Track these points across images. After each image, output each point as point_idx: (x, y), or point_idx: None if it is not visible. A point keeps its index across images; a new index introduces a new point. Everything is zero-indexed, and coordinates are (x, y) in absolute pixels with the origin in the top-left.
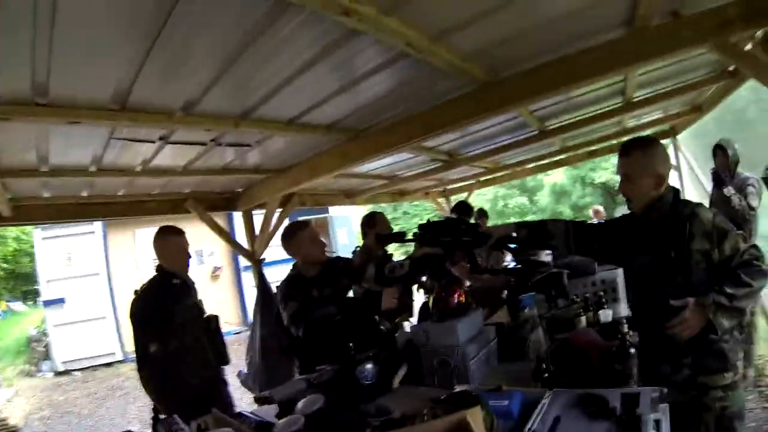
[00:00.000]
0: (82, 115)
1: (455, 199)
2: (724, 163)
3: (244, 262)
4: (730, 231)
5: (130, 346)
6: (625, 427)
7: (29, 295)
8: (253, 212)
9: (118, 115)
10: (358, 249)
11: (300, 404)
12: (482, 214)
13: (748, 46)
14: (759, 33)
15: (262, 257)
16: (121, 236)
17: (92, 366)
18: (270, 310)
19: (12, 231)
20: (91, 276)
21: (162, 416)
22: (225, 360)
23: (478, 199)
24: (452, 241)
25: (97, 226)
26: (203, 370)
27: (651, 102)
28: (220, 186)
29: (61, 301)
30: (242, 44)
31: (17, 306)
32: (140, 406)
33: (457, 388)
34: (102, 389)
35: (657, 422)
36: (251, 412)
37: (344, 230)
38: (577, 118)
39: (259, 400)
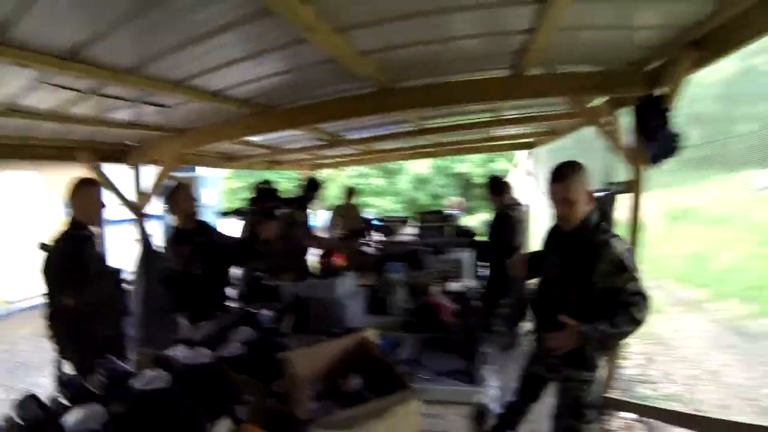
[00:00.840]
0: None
1: (324, 172)
2: None
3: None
4: (630, 270)
5: None
6: (465, 358)
7: None
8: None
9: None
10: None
11: (234, 334)
12: (351, 192)
13: (594, 103)
14: (605, 98)
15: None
16: None
17: None
18: (153, 264)
19: None
20: None
21: (64, 370)
22: (128, 312)
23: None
24: None
25: None
26: (114, 322)
27: (516, 122)
28: (112, 138)
29: None
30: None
31: None
32: (2, 370)
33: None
34: None
35: (485, 354)
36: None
37: (212, 191)
38: (453, 123)
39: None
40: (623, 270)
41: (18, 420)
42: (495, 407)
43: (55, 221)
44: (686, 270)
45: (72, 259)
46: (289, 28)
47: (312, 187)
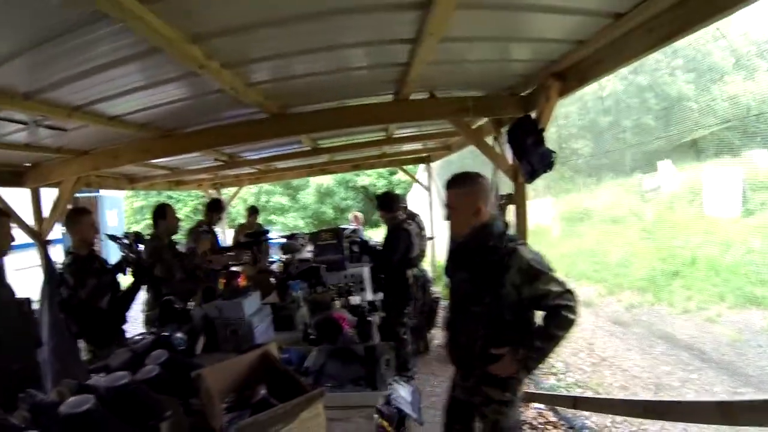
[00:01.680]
0: None
1: (225, 192)
2: None
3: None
4: (544, 273)
5: None
6: (368, 365)
7: None
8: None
9: None
10: (150, 236)
11: (150, 358)
12: (254, 211)
13: (479, 124)
14: (485, 118)
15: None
16: None
17: None
18: (57, 292)
19: None
20: None
21: None
22: (39, 342)
23: (245, 193)
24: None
25: None
26: (25, 353)
27: (408, 140)
28: (7, 159)
29: None
30: (48, 35)
31: None
32: None
33: None
34: None
35: (388, 360)
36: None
37: (114, 212)
38: (346, 142)
39: (95, 370)
40: (538, 274)
41: None
42: (407, 408)
43: None
44: (583, 267)
45: None
46: (176, 64)
47: (215, 208)
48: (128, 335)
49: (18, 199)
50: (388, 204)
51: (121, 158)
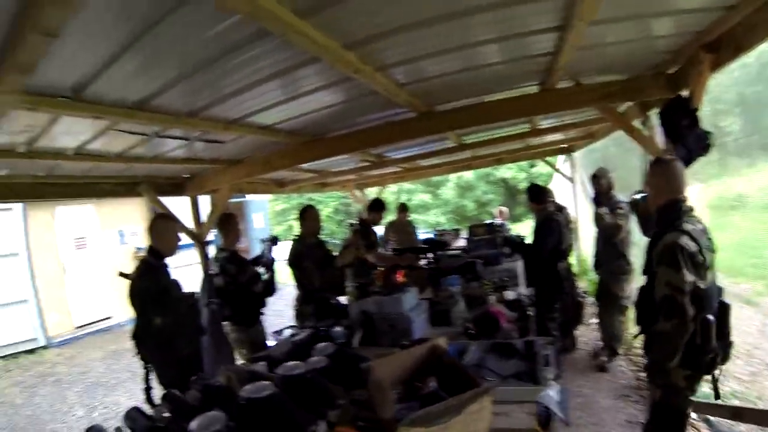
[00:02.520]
0: (107, 112)
1: (369, 191)
2: (600, 189)
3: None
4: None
5: (54, 329)
6: (527, 360)
7: None
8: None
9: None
10: (297, 236)
11: (317, 350)
12: (404, 208)
13: (624, 108)
14: (631, 103)
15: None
16: (41, 214)
17: (13, 354)
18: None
19: None
20: (9, 256)
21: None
22: (203, 331)
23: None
24: None
25: (15, 203)
26: (192, 341)
27: (554, 130)
28: (169, 172)
29: None
30: (212, 58)
31: None
32: (77, 391)
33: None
34: (29, 377)
35: (546, 356)
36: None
37: (260, 215)
38: (490, 137)
39: (255, 359)
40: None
41: (127, 430)
42: (555, 407)
43: (112, 251)
44: (737, 262)
45: (155, 284)
46: (334, 69)
47: (377, 207)
48: (276, 329)
49: (178, 205)
50: (538, 195)
51: (272, 164)
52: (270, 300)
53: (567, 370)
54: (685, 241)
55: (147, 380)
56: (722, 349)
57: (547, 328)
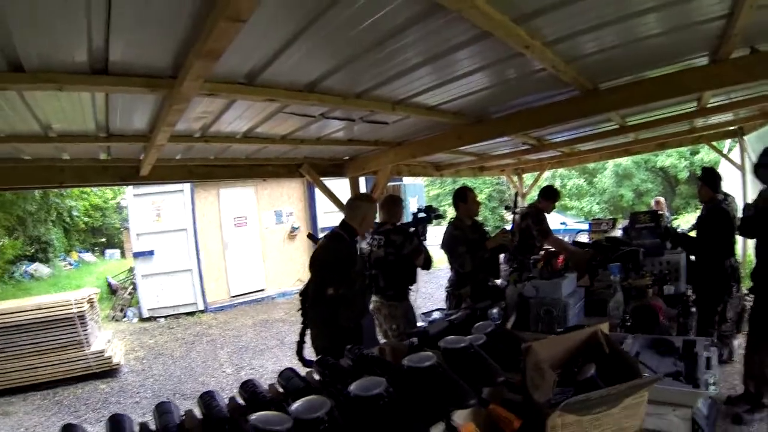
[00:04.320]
0: (280, 95)
1: (526, 176)
2: None
3: (321, 224)
4: None
5: (212, 296)
6: (685, 361)
7: (97, 247)
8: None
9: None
10: (453, 219)
11: (477, 328)
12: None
13: None
14: None
15: None
16: (207, 195)
17: (175, 314)
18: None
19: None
20: (179, 231)
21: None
22: (367, 309)
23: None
24: None
25: (186, 185)
26: (356, 317)
27: (723, 109)
28: (330, 154)
29: (150, 253)
30: (380, 39)
31: (87, 257)
32: (228, 351)
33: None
34: (188, 335)
35: (708, 359)
36: None
37: (416, 198)
38: (655, 117)
39: (411, 335)
40: None
41: (279, 388)
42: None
43: (270, 230)
44: None
45: (338, 255)
46: (504, 46)
47: (550, 195)
48: (425, 310)
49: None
50: (712, 180)
51: (434, 146)
52: (421, 281)
53: (721, 383)
54: None
55: (302, 335)
56: None
57: (707, 331)
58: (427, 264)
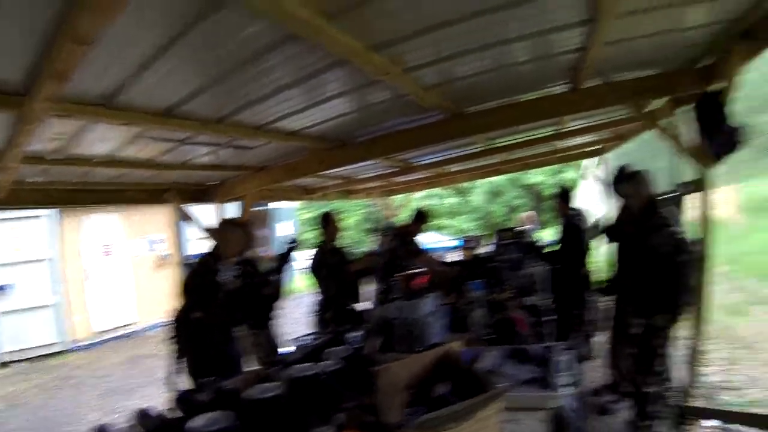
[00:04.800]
0: (138, 119)
1: (396, 198)
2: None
3: (192, 251)
4: None
5: (78, 334)
6: (543, 367)
7: None
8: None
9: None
10: (318, 243)
11: (331, 353)
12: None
13: (654, 107)
14: (662, 99)
15: None
16: (69, 222)
17: (37, 357)
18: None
19: None
20: (39, 262)
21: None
22: (234, 337)
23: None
24: None
25: (44, 210)
26: (223, 340)
27: (580, 132)
28: (196, 179)
29: (5, 288)
30: (239, 63)
31: None
32: (95, 395)
33: None
34: (50, 380)
35: (561, 363)
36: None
37: (289, 223)
38: (519, 140)
39: (272, 363)
40: None
41: (141, 429)
42: (571, 413)
43: (139, 258)
44: None
45: (203, 280)
46: (360, 73)
47: (420, 217)
48: (294, 336)
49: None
50: (567, 198)
51: (297, 171)
52: (291, 306)
53: (585, 378)
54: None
55: (174, 366)
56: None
57: (568, 335)
58: (273, 298)
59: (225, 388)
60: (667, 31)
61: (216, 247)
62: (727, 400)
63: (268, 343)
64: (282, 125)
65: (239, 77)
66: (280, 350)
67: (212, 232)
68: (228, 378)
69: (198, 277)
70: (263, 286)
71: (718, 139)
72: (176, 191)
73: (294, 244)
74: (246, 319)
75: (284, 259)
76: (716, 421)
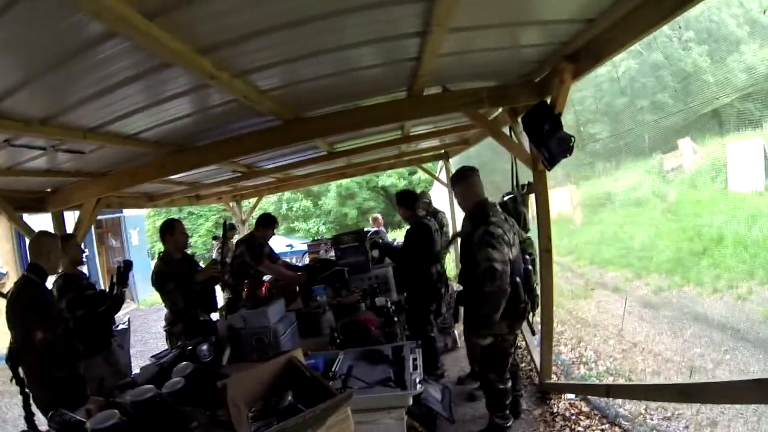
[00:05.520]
0: None
1: (246, 202)
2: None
3: None
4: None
5: None
6: (395, 366)
7: None
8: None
9: None
10: (161, 254)
11: (175, 371)
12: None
13: (495, 115)
14: (500, 109)
15: None
16: None
17: None
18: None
19: None
20: None
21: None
22: (81, 355)
23: (265, 202)
24: None
25: None
26: (70, 364)
27: (424, 137)
28: (30, 186)
29: None
30: (61, 57)
31: None
32: None
33: None
34: None
35: (415, 359)
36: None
37: (136, 231)
38: (362, 144)
39: (121, 387)
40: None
41: None
42: (437, 406)
43: None
44: (607, 254)
45: (36, 298)
46: (193, 75)
47: (267, 222)
48: (154, 352)
49: (41, 223)
50: (407, 201)
51: (139, 176)
52: (150, 321)
53: (450, 369)
54: (493, 228)
55: (26, 406)
56: (530, 300)
57: (424, 330)
58: (106, 315)
59: (67, 420)
60: (503, 48)
61: (36, 263)
62: (582, 373)
63: (114, 366)
64: (116, 128)
65: (64, 73)
66: (133, 371)
67: (30, 246)
68: (77, 406)
69: (27, 298)
70: (95, 302)
71: (549, 146)
72: (5, 199)
73: (127, 268)
74: (85, 339)
75: (119, 281)
76: (573, 394)
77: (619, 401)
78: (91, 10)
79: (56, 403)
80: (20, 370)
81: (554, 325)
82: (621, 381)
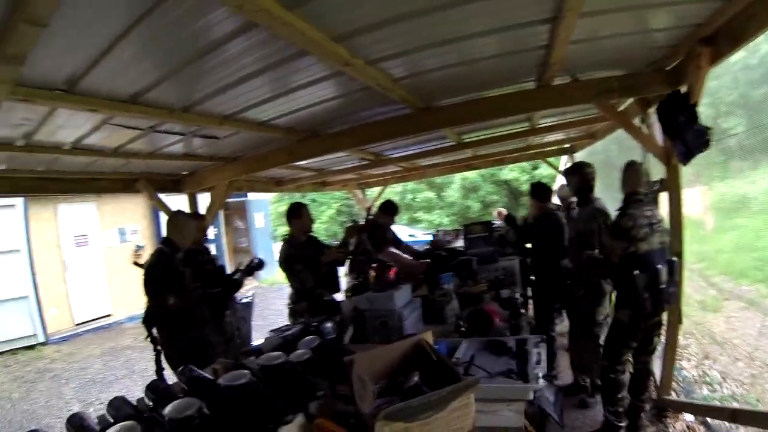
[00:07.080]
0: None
1: (370, 191)
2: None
3: None
4: None
5: (54, 326)
6: (517, 359)
7: None
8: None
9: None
10: (287, 237)
11: (302, 343)
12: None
13: (624, 106)
14: (630, 99)
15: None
16: (43, 212)
17: (11, 350)
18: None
19: None
20: (10, 253)
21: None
22: (209, 320)
23: (389, 192)
24: None
25: (18, 200)
26: (199, 326)
27: (552, 129)
28: (167, 169)
29: None
30: (203, 51)
31: None
32: (74, 387)
33: None
34: (28, 372)
35: (539, 353)
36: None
37: (261, 214)
38: (490, 135)
39: (246, 353)
40: None
41: (110, 418)
42: (549, 407)
43: (113, 249)
44: (741, 265)
45: (169, 268)
46: (326, 63)
47: (389, 209)
48: (272, 327)
49: (177, 203)
50: (541, 193)
51: (269, 161)
52: (270, 298)
53: (564, 372)
54: (624, 220)
55: (158, 362)
56: (653, 299)
57: (547, 328)
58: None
59: (196, 375)
60: (633, 33)
61: (169, 237)
62: (704, 394)
63: (221, 336)
64: (250, 115)
65: (203, 65)
66: (254, 341)
67: (167, 223)
68: (203, 366)
69: (160, 267)
70: (211, 278)
71: (684, 139)
72: (147, 181)
73: (259, 267)
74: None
75: (246, 271)
76: (693, 415)
77: (743, 430)
78: (234, 3)
79: (185, 360)
80: (154, 330)
81: (679, 336)
82: (745, 406)
